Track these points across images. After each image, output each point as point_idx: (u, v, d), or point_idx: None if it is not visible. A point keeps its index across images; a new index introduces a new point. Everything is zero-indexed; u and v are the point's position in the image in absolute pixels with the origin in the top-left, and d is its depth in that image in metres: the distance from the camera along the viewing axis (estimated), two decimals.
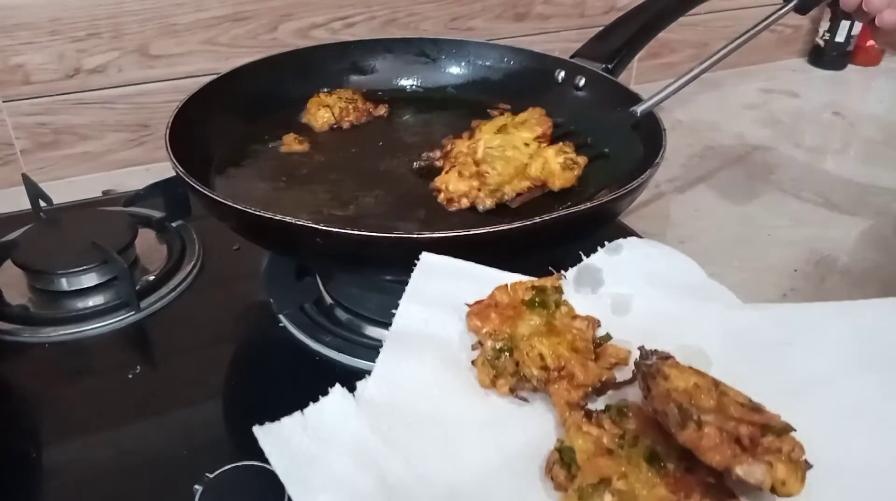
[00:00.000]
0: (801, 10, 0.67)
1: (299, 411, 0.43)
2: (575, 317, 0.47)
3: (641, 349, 0.43)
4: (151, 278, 0.65)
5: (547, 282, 0.48)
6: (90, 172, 0.86)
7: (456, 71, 0.79)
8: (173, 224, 0.71)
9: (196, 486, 0.41)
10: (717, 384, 0.39)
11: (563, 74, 0.73)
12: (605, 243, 0.52)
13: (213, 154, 0.64)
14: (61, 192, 0.76)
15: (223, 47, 0.85)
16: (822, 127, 1.04)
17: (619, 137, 0.63)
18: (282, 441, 0.41)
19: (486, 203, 0.58)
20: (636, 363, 0.42)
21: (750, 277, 0.68)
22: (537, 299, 0.47)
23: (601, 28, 0.77)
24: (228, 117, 0.68)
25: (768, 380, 0.42)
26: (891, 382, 0.44)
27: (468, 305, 0.48)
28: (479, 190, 0.58)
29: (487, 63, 0.78)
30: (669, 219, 0.79)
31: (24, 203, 0.73)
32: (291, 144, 0.68)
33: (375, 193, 0.60)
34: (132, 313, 0.61)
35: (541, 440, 0.43)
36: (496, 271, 0.52)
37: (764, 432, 0.36)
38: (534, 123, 0.63)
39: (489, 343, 0.45)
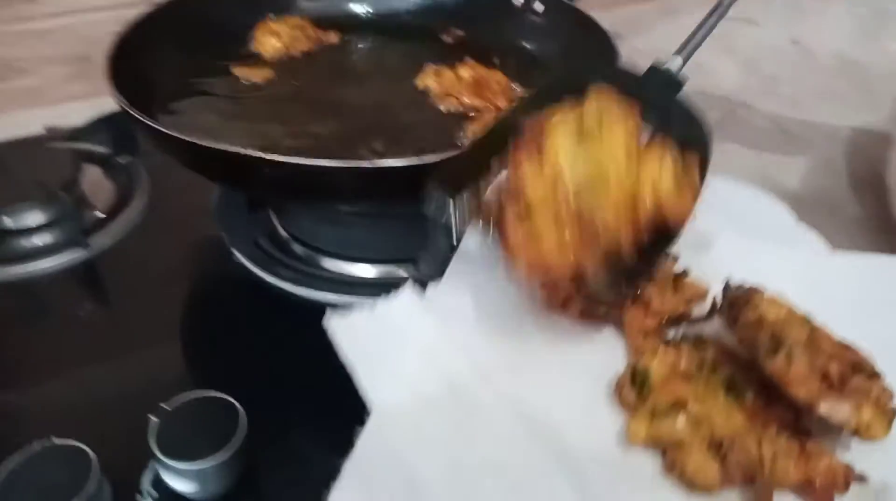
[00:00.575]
0: None
1: (368, 305, 0.44)
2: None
3: (728, 282, 0.42)
4: (99, 214, 0.63)
5: None
6: (30, 107, 0.82)
7: None
8: (121, 160, 0.69)
9: (151, 416, 0.41)
10: (809, 320, 0.38)
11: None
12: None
13: (158, 87, 0.62)
14: (1, 129, 0.73)
15: None
16: (779, 55, 1.04)
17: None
18: (352, 332, 0.42)
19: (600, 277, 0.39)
20: (723, 291, 0.41)
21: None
22: None
23: None
24: (172, 47, 0.65)
25: (851, 334, 0.40)
26: None
27: None
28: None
29: None
30: None
31: None
32: (245, 73, 0.66)
33: (327, 122, 0.59)
34: (80, 251, 0.60)
35: (610, 362, 0.42)
36: None
37: (854, 371, 0.34)
38: (617, 113, 0.42)
39: None
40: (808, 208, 0.69)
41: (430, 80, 0.63)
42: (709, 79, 0.93)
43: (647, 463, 0.38)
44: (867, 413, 0.34)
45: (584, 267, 0.37)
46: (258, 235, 0.60)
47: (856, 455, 0.36)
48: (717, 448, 0.35)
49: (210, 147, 0.46)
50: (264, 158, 0.44)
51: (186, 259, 0.61)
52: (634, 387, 0.39)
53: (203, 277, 0.60)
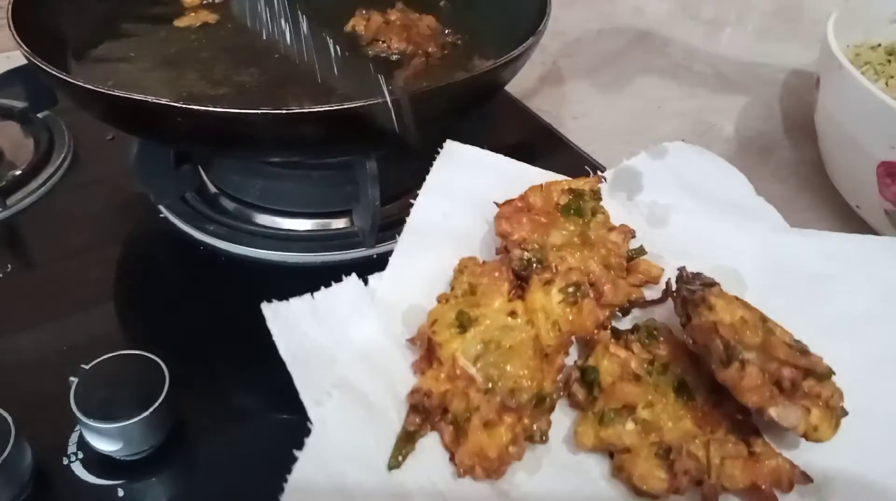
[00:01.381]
0: None
1: (309, 294, 0.41)
2: (611, 229, 0.44)
3: (682, 271, 0.41)
4: (17, 172, 0.60)
5: (585, 184, 0.45)
6: None
7: None
8: (39, 115, 0.66)
9: (71, 378, 0.40)
10: (764, 319, 0.37)
11: None
12: (650, 146, 0.50)
13: (70, 36, 0.59)
14: None
15: None
16: None
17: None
18: (290, 324, 0.40)
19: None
20: (676, 287, 0.40)
21: (637, 149, 0.69)
22: (573, 206, 0.44)
23: None
24: None
25: (806, 314, 0.40)
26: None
27: (497, 204, 0.45)
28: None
29: None
30: (564, 95, 0.78)
31: None
32: (184, 19, 0.63)
33: (251, 71, 0.56)
34: None
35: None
36: (527, 166, 0.49)
37: (807, 375, 0.35)
38: (486, 279, 0.42)
39: (517, 252, 0.43)
40: (742, 149, 0.71)
41: (359, 24, 0.61)
42: (645, 19, 0.93)
43: (595, 465, 0.38)
44: (816, 417, 0.34)
45: (517, 433, 0.37)
46: (185, 189, 0.58)
47: (801, 449, 0.37)
48: (666, 453, 0.35)
49: (122, 96, 0.44)
50: (178, 107, 0.43)
51: (112, 217, 0.59)
52: (584, 386, 0.39)
53: (129, 235, 0.58)
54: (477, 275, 0.42)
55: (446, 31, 0.62)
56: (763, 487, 0.35)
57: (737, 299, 0.38)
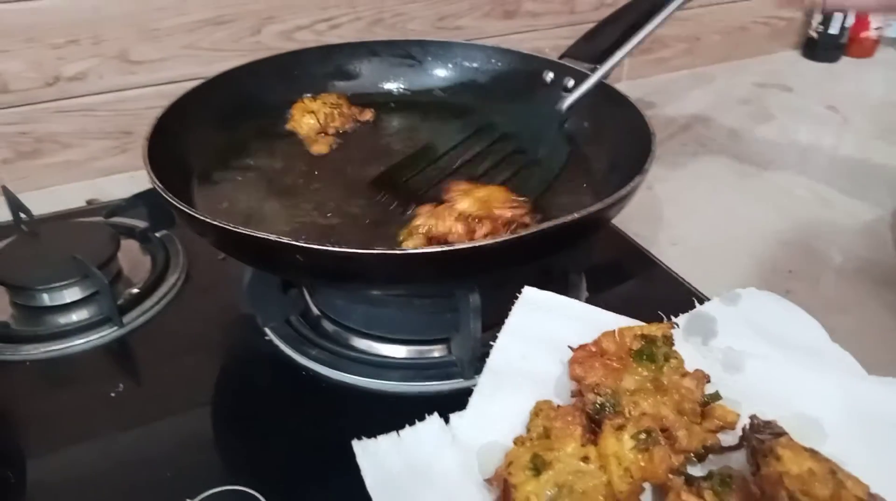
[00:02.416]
0: None
1: (395, 432, 0.44)
2: (685, 375, 0.45)
3: (753, 418, 0.41)
4: (135, 291, 0.63)
5: (657, 330, 0.46)
6: (73, 180, 0.84)
7: (443, 73, 0.78)
8: (157, 234, 0.70)
9: None
10: (834, 471, 0.36)
11: (551, 75, 0.71)
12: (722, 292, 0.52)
13: (194, 164, 0.63)
14: (43, 202, 0.75)
15: (205, 51, 0.83)
16: (816, 121, 1.02)
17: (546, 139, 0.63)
18: (377, 460, 0.43)
19: None
20: (745, 435, 0.41)
21: (742, 280, 0.67)
22: (646, 352, 0.45)
23: (591, 25, 0.76)
24: (210, 126, 0.66)
25: (889, 463, 0.40)
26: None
27: (572, 348, 0.46)
28: None
29: (475, 65, 0.77)
30: (662, 220, 0.78)
31: (4, 215, 0.71)
32: (313, 143, 0.68)
33: (360, 202, 0.59)
34: (115, 328, 0.60)
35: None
36: (601, 311, 0.51)
37: None
38: (560, 423, 0.43)
39: (591, 396, 0.44)
40: (854, 281, 0.68)
41: None
42: (751, 150, 0.92)
43: None
44: None
45: None
46: (290, 313, 0.59)
47: None
48: None
49: (238, 232, 0.46)
50: (292, 245, 0.44)
51: (219, 336, 0.60)
52: None
53: (235, 356, 0.59)
54: (551, 419, 0.43)
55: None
56: None
57: (806, 449, 0.38)
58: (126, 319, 0.61)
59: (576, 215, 0.47)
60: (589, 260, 0.64)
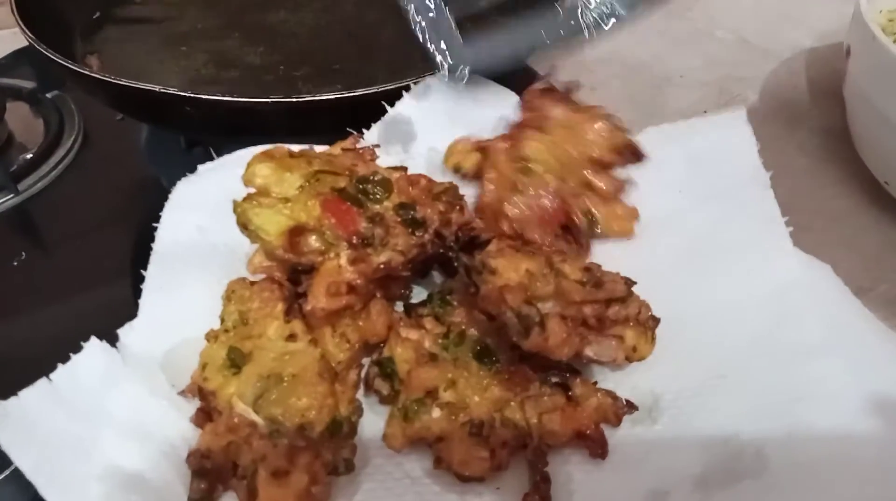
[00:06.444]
0: None
1: (44, 377, 0.33)
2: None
3: (446, 234, 0.36)
4: (29, 156, 0.60)
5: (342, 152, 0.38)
6: None
7: None
8: (48, 95, 0.65)
9: None
10: (551, 263, 0.35)
11: None
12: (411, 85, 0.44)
13: (75, 18, 0.57)
14: None
15: None
16: None
17: None
18: (26, 425, 0.31)
19: None
20: (455, 258, 0.36)
21: (659, 122, 0.67)
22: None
23: None
24: None
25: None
26: (727, 209, 0.41)
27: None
28: None
29: None
30: (583, 63, 0.76)
31: None
32: None
33: (260, 51, 0.55)
34: (10, 195, 0.57)
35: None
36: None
37: (609, 303, 0.33)
38: (258, 303, 0.36)
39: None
40: (767, 120, 0.68)
41: None
42: None
43: (416, 464, 0.34)
44: (630, 338, 0.33)
45: (316, 471, 0.32)
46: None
47: (626, 372, 0.36)
48: (479, 430, 0.33)
49: (129, 86, 0.43)
50: (188, 97, 0.42)
51: (125, 200, 0.58)
52: (385, 380, 0.35)
53: (143, 219, 0.57)
54: (246, 300, 0.35)
55: None
56: (588, 432, 0.33)
57: (517, 249, 0.35)
58: (21, 186, 0.57)
59: None
60: None
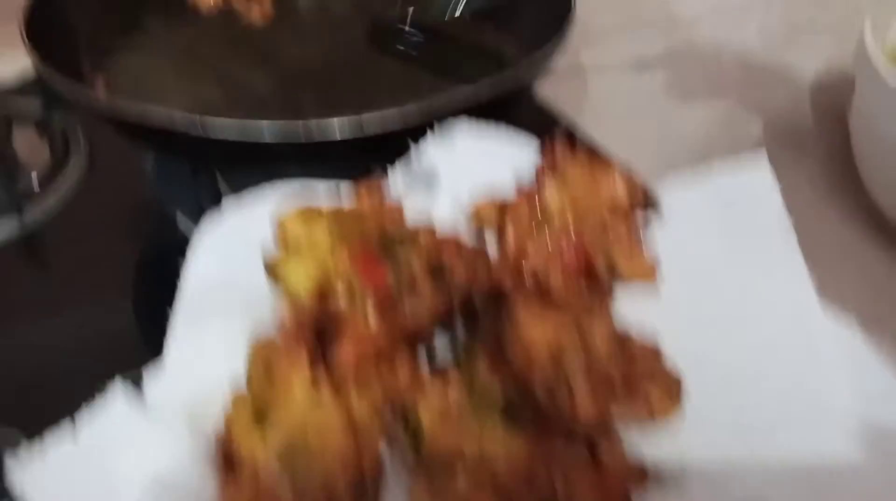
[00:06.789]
0: None
1: (68, 419, 0.32)
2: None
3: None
4: (34, 178, 0.60)
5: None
6: None
7: None
8: (55, 119, 0.65)
9: None
10: (578, 322, 0.34)
11: None
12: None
13: (85, 42, 0.58)
14: None
15: None
16: None
17: None
18: (45, 474, 0.30)
19: None
20: (482, 312, 0.35)
21: (658, 151, 0.67)
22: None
23: None
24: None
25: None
26: (752, 261, 0.40)
27: None
28: None
29: None
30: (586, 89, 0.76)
31: None
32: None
33: (268, 79, 0.55)
34: (15, 217, 0.57)
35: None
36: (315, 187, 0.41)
37: (634, 361, 0.33)
38: (283, 362, 0.34)
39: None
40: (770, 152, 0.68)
41: None
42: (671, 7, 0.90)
43: None
44: (656, 397, 0.32)
45: None
46: (202, 197, 0.57)
47: (644, 438, 0.34)
48: (507, 498, 0.31)
49: (139, 115, 0.43)
50: (195, 124, 0.42)
51: (130, 226, 0.58)
52: (409, 436, 0.33)
53: (151, 245, 0.57)
54: (271, 358, 0.34)
55: None
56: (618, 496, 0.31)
57: (542, 304, 0.34)
58: (26, 208, 0.57)
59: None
60: None
